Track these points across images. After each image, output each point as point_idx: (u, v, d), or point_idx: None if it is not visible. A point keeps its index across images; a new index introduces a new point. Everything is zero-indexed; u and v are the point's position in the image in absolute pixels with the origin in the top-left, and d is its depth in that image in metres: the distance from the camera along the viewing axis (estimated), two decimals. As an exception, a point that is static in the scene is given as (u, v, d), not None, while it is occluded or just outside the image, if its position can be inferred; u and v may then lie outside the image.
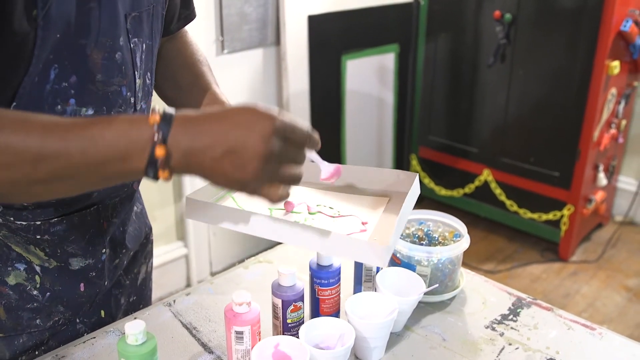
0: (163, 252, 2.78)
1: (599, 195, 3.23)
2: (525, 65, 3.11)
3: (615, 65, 2.86)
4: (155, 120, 0.73)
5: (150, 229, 1.30)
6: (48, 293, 1.04)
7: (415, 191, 1.07)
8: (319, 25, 2.95)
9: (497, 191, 3.34)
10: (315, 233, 0.90)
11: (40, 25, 0.82)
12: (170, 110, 0.75)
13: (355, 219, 1.03)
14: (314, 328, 1.04)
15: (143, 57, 1.02)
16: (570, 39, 2.94)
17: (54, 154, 0.72)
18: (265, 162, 0.75)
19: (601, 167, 3.18)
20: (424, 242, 1.29)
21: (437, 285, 1.23)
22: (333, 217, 1.04)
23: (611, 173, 3.34)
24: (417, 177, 1.10)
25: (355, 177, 1.14)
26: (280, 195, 0.80)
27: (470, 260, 3.17)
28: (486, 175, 3.37)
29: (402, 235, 1.30)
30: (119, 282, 1.20)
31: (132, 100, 1.01)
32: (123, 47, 0.95)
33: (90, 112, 0.93)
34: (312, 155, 0.91)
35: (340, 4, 3.04)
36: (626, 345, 1.18)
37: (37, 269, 1.02)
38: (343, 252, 0.90)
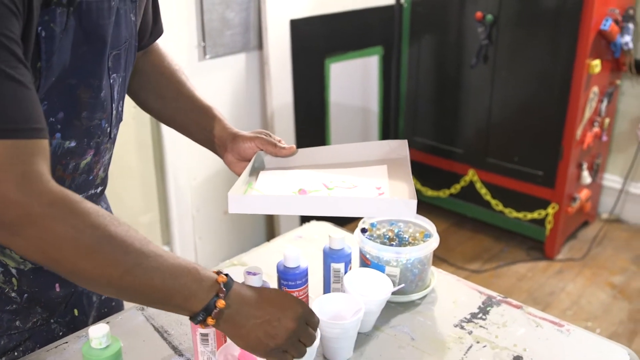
0: (149, 257, 2.78)
1: (583, 194, 3.25)
2: (507, 66, 3.13)
3: (596, 64, 2.88)
4: (223, 279, 0.90)
5: None
6: (25, 295, 1.07)
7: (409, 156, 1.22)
8: (301, 29, 2.97)
9: (483, 191, 3.36)
10: (354, 201, 1.04)
11: (43, 75, 0.89)
12: (230, 277, 0.92)
13: (370, 186, 1.12)
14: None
15: (118, 89, 1.07)
16: (551, 39, 2.96)
17: (143, 272, 0.84)
18: (290, 336, 0.93)
19: (585, 166, 3.20)
20: (394, 243, 1.31)
21: (403, 285, 1.24)
22: (350, 188, 1.11)
23: (595, 171, 3.36)
24: (406, 142, 1.23)
25: (351, 153, 1.24)
26: None
27: (456, 260, 3.18)
28: (471, 175, 3.39)
29: (372, 236, 1.31)
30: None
31: (109, 130, 1.08)
32: (106, 85, 1.02)
33: (73, 144, 1.00)
34: None
35: (322, 8, 3.06)
36: (593, 341, 1.20)
37: (13, 271, 1.05)
38: (382, 212, 1.06)
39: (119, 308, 1.31)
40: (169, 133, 2.62)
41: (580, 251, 3.32)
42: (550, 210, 3.15)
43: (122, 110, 1.13)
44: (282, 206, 1.04)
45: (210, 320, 0.89)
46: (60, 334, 1.16)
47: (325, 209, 1.02)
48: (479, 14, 3.09)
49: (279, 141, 1.22)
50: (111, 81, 1.04)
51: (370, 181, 1.14)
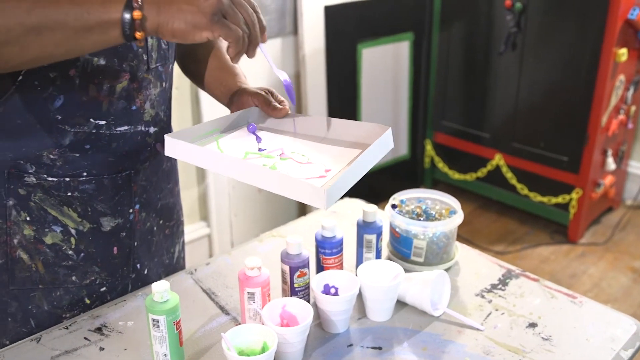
0: (187, 231, 2.92)
1: (607, 180, 3.32)
2: (535, 53, 3.20)
3: (623, 53, 2.94)
4: None
5: (181, 209, 1.44)
6: (82, 254, 1.17)
7: (383, 144, 1.10)
8: (335, 15, 3.07)
9: (509, 175, 3.44)
10: (267, 173, 0.99)
11: None
12: None
13: (321, 166, 1.08)
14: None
15: None
16: (579, 27, 3.03)
17: (47, 1, 0.86)
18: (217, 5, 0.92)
19: (610, 152, 3.26)
20: (422, 218, 1.42)
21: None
22: (301, 163, 1.09)
23: (620, 158, 3.42)
24: (390, 130, 1.12)
25: (337, 128, 1.20)
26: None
27: (481, 241, 3.28)
28: (498, 159, 3.48)
29: (401, 212, 1.42)
30: (162, 262, 1.35)
31: (145, 57, 1.12)
32: None
33: (102, 62, 1.05)
34: (263, 49, 1.05)
35: (355, -6, 3.15)
36: (603, 313, 1.29)
37: (73, 231, 1.15)
38: (288, 192, 0.97)
39: None
40: (207, 114, 2.75)
41: (603, 236, 3.39)
42: (574, 195, 3.23)
43: (167, 49, 1.18)
44: (209, 162, 1.03)
45: (136, 14, 0.89)
46: (114, 294, 1.26)
47: (244, 176, 1.00)
48: (508, 2, 3.16)
49: (282, 102, 1.24)
50: None
51: (328, 161, 1.10)
